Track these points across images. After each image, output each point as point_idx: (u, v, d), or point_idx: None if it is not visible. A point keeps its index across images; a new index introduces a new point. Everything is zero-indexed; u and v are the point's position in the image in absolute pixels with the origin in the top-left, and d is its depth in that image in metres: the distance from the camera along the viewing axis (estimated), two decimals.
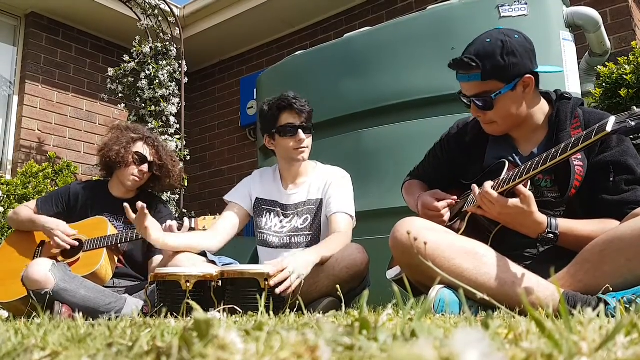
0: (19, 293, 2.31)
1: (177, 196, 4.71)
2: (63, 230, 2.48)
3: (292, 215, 2.30)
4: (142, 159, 2.60)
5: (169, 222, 2.26)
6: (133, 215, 2.03)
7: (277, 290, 1.76)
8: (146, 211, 2.01)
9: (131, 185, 2.62)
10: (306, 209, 2.28)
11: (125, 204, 2.03)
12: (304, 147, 2.26)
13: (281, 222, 2.30)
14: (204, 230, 2.42)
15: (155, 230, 2.05)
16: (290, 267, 1.82)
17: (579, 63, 2.80)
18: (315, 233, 2.25)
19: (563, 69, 2.51)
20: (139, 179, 2.61)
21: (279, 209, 2.32)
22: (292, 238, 2.26)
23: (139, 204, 2.01)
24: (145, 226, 2.02)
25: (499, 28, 1.75)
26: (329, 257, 2.00)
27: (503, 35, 1.68)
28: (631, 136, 1.39)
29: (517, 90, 1.68)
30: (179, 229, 2.29)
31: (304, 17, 5.54)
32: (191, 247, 2.12)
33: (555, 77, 2.47)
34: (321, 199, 2.28)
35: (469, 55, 1.69)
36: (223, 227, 2.28)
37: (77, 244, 2.48)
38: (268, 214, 2.33)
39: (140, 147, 2.62)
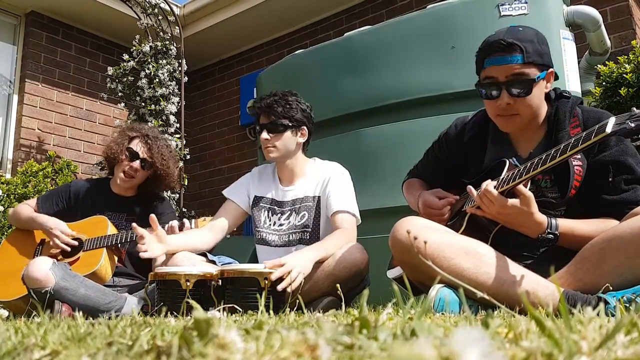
0: (19, 292, 2.31)
1: (177, 195, 4.71)
2: (62, 230, 2.48)
3: (289, 212, 2.28)
4: (133, 155, 2.60)
5: (170, 223, 2.27)
6: (140, 232, 2.01)
7: (279, 287, 1.75)
8: (149, 232, 2.02)
9: (122, 181, 2.62)
10: (304, 206, 2.27)
11: (134, 224, 2.04)
12: (269, 147, 2.24)
13: (279, 219, 2.29)
14: None
15: (156, 249, 2.01)
16: (289, 263, 1.81)
17: (579, 62, 2.80)
18: (314, 230, 2.24)
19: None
20: (130, 175, 2.61)
21: (275, 207, 2.31)
22: (291, 236, 2.25)
23: (151, 216, 2.03)
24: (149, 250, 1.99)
25: (514, 26, 1.73)
26: (328, 256, 2.00)
27: (529, 28, 1.69)
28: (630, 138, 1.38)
29: (544, 82, 1.68)
30: (181, 230, 2.29)
31: (304, 16, 5.54)
32: (190, 248, 2.13)
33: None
34: (319, 196, 2.27)
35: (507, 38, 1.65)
36: (216, 224, 2.29)
37: (76, 244, 2.48)
38: (265, 211, 2.32)
39: (135, 145, 2.62)
